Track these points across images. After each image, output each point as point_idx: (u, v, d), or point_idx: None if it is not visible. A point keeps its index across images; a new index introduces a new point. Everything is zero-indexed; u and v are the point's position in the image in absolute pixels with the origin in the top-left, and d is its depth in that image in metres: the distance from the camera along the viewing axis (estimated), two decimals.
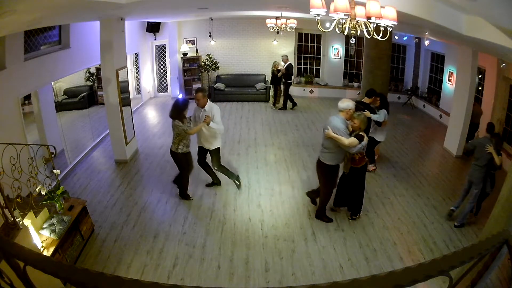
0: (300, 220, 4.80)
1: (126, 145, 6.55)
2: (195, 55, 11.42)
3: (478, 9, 2.81)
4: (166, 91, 12.09)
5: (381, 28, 2.56)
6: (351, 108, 4.11)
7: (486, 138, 4.50)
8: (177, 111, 4.66)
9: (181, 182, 5.19)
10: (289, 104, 10.43)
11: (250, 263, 3.99)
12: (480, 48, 5.47)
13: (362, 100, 5.53)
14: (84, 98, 7.42)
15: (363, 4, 2.52)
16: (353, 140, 3.98)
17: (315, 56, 12.26)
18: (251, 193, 5.50)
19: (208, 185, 5.64)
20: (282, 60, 10.14)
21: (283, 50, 11.73)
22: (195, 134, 4.88)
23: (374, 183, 5.83)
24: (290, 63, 10.17)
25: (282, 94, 10.40)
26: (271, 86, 10.63)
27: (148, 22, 10.47)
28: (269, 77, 11.71)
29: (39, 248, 3.33)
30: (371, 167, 6.22)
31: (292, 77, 10.44)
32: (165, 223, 4.71)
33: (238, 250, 4.20)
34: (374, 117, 5.24)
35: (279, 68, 10.06)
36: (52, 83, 5.96)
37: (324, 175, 4.37)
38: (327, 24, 3.25)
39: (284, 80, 10.16)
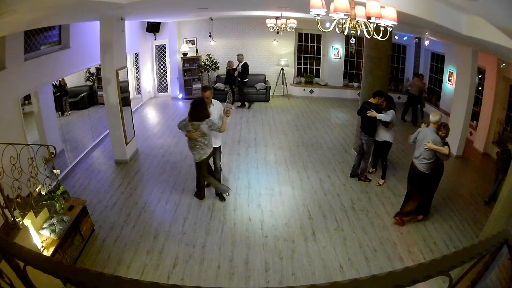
0: (300, 220, 4.81)
1: (126, 145, 6.55)
2: (195, 55, 11.41)
3: (478, 9, 2.81)
4: (166, 91, 12.09)
5: (381, 28, 2.56)
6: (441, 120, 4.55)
7: (510, 137, 5.40)
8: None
9: None
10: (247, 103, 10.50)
11: (250, 263, 3.99)
12: (480, 48, 5.48)
13: (369, 100, 5.56)
14: (84, 98, 7.43)
15: (363, 4, 2.52)
16: (447, 147, 4.36)
17: (315, 56, 12.26)
18: (251, 193, 5.50)
19: (207, 186, 5.63)
20: (238, 59, 10.08)
21: (283, 50, 11.74)
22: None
23: (374, 183, 5.84)
24: (246, 62, 10.13)
25: (238, 93, 10.42)
26: (225, 86, 10.65)
27: (148, 22, 10.46)
28: (269, 77, 11.75)
29: (39, 248, 3.33)
30: (372, 169, 6.24)
31: (248, 76, 10.36)
32: (165, 223, 4.72)
33: (238, 250, 4.20)
34: (380, 116, 5.31)
35: (234, 67, 10.02)
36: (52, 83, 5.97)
37: (423, 183, 4.60)
38: (327, 24, 3.25)
39: (240, 79, 10.13)
